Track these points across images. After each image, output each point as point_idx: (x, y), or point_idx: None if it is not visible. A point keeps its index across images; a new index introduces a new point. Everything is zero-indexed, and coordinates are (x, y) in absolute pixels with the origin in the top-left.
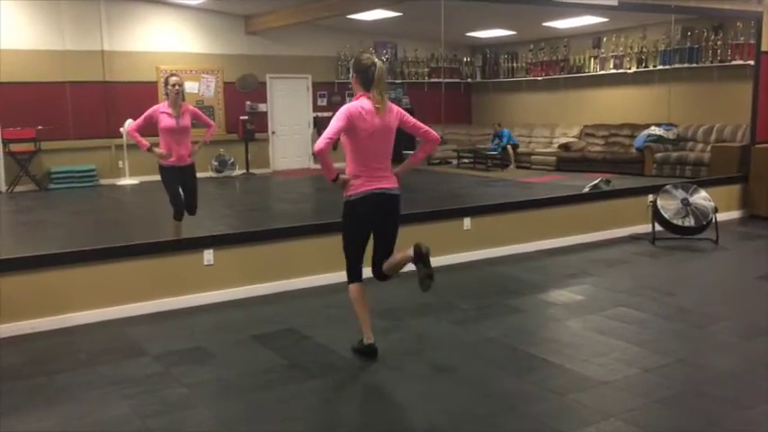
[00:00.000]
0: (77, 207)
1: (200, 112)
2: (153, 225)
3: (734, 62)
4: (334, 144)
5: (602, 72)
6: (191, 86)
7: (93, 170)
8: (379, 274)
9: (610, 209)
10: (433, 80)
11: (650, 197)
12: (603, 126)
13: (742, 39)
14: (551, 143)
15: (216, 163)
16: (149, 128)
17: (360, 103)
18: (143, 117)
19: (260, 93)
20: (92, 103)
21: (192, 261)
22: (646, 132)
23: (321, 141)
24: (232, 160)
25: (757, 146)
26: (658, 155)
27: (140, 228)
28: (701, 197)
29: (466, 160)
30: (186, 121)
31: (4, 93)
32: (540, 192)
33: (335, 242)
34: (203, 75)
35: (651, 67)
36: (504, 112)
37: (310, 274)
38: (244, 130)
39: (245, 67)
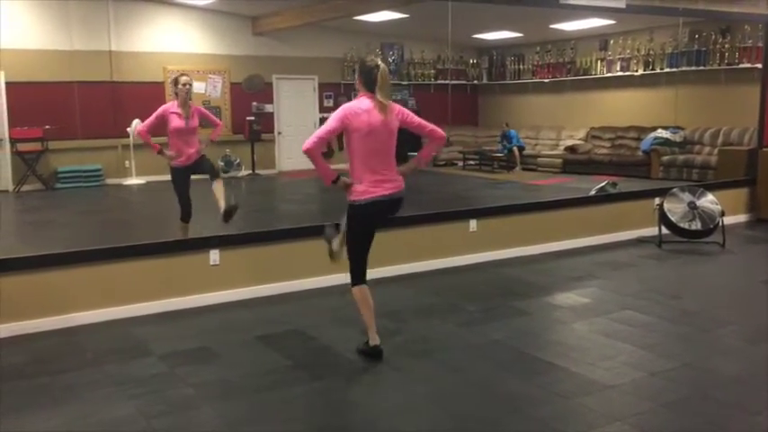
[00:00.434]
0: (84, 207)
1: (207, 112)
2: (159, 225)
3: (741, 65)
4: (340, 145)
5: (609, 74)
6: (197, 87)
7: (99, 170)
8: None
9: (616, 212)
10: (439, 82)
11: (657, 200)
12: (610, 128)
13: (750, 42)
14: (558, 145)
15: (222, 163)
16: (157, 128)
17: (357, 103)
18: (154, 116)
19: (266, 93)
20: (99, 103)
21: (197, 261)
22: (652, 135)
23: (310, 140)
24: (238, 161)
25: (765, 149)
26: (665, 158)
27: (146, 228)
28: (708, 200)
29: (472, 162)
30: (195, 121)
31: (11, 92)
32: (547, 194)
33: None
34: (210, 75)
35: (658, 70)
36: (511, 114)
37: (316, 275)
38: (250, 130)
39: (251, 68)
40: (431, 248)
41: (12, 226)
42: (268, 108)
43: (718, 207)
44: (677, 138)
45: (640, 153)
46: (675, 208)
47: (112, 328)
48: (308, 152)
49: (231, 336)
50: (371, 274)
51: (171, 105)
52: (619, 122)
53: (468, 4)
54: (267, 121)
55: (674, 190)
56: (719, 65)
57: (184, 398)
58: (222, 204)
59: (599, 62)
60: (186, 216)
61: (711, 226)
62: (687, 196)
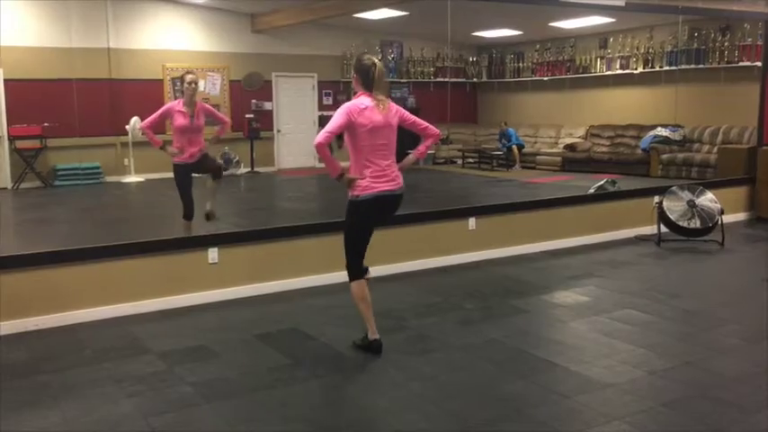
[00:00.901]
0: (83, 204)
1: (214, 110)
2: (158, 223)
3: (741, 63)
4: (339, 144)
5: (609, 72)
6: None
7: (98, 167)
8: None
9: (615, 210)
10: (438, 80)
11: (656, 198)
12: (609, 127)
13: (749, 40)
14: (557, 143)
15: (221, 161)
16: (159, 126)
17: (359, 101)
18: (158, 113)
19: (266, 91)
20: (98, 101)
21: (196, 259)
22: (652, 133)
23: (321, 135)
24: (237, 158)
25: (764, 148)
26: (664, 156)
27: (145, 225)
28: (708, 199)
29: (471, 160)
30: (200, 120)
31: (10, 89)
32: (546, 192)
33: (340, 241)
34: (209, 73)
35: (658, 68)
36: (510, 112)
37: (315, 273)
38: (249, 128)
39: (250, 66)
40: (430, 247)
41: (10, 223)
42: (267, 106)
43: (718, 205)
44: (677, 136)
45: (640, 151)
46: (675, 206)
47: (112, 325)
48: (318, 146)
49: (230, 334)
50: (371, 272)
51: (176, 103)
52: (618, 120)
53: (467, 1)
54: (266, 119)
55: (674, 188)
56: (719, 63)
57: (183, 396)
58: (208, 206)
59: (598, 60)
60: (189, 214)
61: (711, 224)
62: (686, 194)
